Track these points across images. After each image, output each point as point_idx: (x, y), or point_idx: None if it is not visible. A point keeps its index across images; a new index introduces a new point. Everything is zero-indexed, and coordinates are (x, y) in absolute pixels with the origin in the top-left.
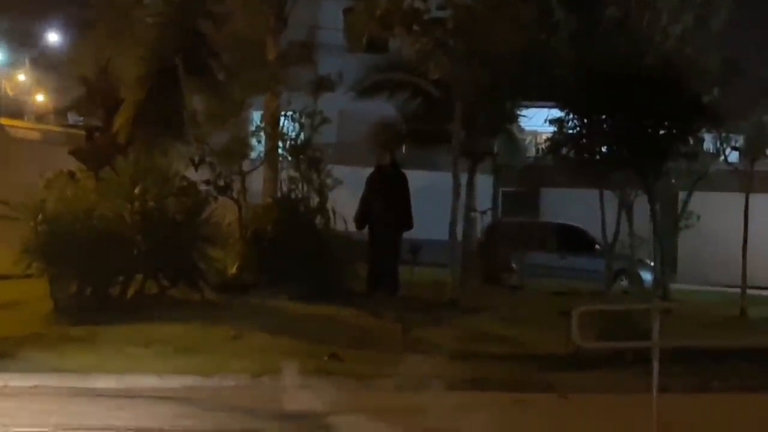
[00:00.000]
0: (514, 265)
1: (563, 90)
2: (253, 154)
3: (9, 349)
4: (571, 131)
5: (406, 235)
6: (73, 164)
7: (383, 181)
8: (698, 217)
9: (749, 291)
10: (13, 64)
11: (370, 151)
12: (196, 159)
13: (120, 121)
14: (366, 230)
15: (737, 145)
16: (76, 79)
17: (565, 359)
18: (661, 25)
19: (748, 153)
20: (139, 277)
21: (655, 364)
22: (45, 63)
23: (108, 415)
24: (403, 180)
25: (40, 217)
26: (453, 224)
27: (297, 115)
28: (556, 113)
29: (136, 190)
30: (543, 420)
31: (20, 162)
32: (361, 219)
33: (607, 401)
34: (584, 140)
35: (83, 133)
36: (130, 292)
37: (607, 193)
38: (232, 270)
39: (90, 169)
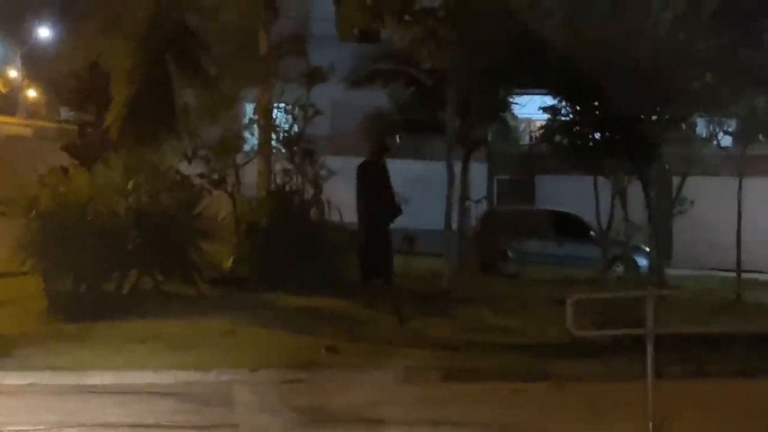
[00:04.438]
0: (510, 254)
1: (556, 77)
2: (247, 147)
3: (4, 347)
4: (564, 118)
5: (402, 224)
6: (65, 160)
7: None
8: (692, 203)
9: (745, 275)
10: (5, 60)
11: (364, 141)
12: (189, 153)
13: (112, 116)
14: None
15: (730, 129)
16: (67, 74)
17: (563, 348)
18: (652, 11)
19: (741, 137)
20: (133, 272)
21: (650, 351)
22: (36, 58)
23: (105, 412)
24: (378, 171)
25: (33, 213)
26: (448, 213)
27: (290, 107)
28: (549, 100)
29: (130, 185)
30: (541, 409)
31: (12, 158)
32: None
33: (604, 389)
34: (577, 127)
35: (76, 128)
36: (125, 287)
37: (602, 179)
38: (227, 264)
39: (83, 164)
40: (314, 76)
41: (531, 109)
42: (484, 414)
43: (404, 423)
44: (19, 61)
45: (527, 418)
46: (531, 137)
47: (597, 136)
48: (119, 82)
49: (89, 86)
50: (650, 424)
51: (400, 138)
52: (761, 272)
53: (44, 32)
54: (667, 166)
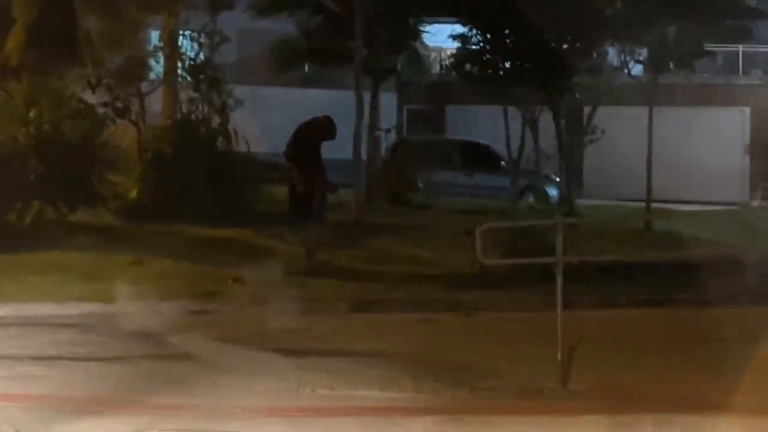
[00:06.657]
0: (420, 184)
1: (466, 5)
2: (152, 75)
3: None
4: (474, 47)
5: None
6: None
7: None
8: (603, 132)
9: (654, 204)
10: None
11: (270, 69)
12: (93, 81)
13: (12, 43)
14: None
15: (640, 58)
16: None
17: (472, 278)
18: None
19: (652, 66)
20: (36, 203)
21: (559, 280)
22: None
23: (7, 344)
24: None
25: None
26: (357, 143)
27: (196, 35)
28: (460, 29)
29: (31, 114)
30: (450, 339)
31: None
32: None
33: (513, 318)
34: (488, 56)
35: None
36: (28, 218)
37: (513, 109)
38: (133, 194)
39: None
40: (219, 3)
41: (441, 37)
42: (393, 344)
43: (313, 353)
44: None
45: (437, 348)
46: (441, 66)
47: (507, 65)
48: (20, 7)
49: None
50: (559, 354)
51: (308, 67)
52: (671, 202)
53: None
54: (577, 96)
